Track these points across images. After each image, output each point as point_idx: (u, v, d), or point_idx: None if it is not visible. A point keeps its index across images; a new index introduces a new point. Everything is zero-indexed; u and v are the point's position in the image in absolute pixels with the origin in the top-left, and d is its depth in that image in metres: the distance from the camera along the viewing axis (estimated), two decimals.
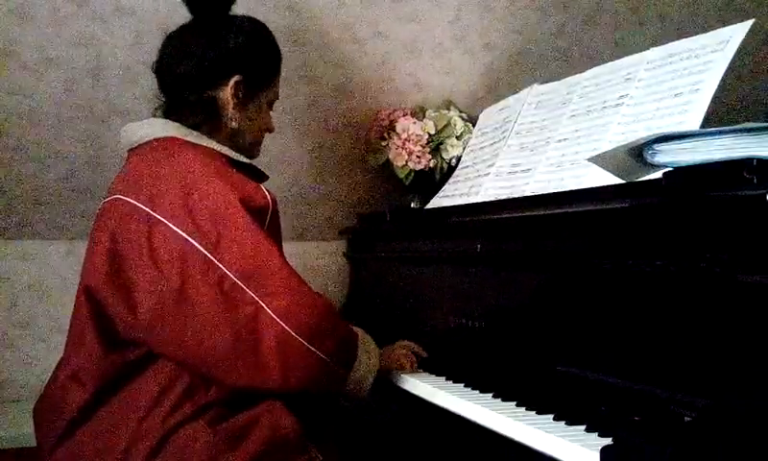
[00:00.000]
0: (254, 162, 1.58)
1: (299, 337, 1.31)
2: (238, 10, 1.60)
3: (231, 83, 1.51)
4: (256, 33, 1.58)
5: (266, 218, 1.40)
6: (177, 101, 1.52)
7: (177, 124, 1.49)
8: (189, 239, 1.31)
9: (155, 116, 1.54)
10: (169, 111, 1.53)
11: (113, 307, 1.36)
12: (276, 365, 1.31)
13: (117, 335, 1.36)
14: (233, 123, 1.53)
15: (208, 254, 1.31)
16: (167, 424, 1.30)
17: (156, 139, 1.47)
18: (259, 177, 1.56)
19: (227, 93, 1.52)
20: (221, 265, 1.30)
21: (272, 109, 1.65)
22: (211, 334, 1.30)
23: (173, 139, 1.46)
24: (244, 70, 1.53)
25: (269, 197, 1.42)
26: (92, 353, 1.35)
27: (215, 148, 1.48)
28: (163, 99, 1.55)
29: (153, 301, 1.32)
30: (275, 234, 1.42)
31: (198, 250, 1.31)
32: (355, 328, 1.52)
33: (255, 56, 1.56)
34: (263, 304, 1.30)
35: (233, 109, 1.53)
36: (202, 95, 1.51)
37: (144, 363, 1.35)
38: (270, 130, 1.65)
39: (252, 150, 1.62)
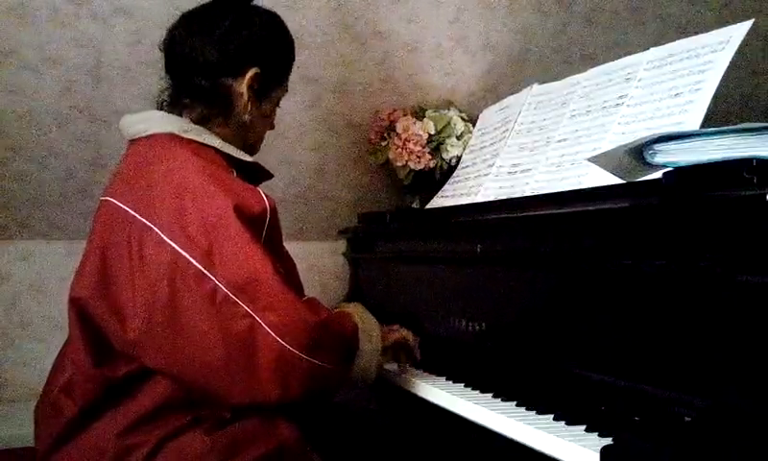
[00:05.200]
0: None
1: (296, 351, 1.25)
2: None
3: (249, 74, 1.45)
4: (278, 28, 1.54)
5: (263, 225, 1.34)
6: (186, 85, 1.45)
7: (177, 117, 1.43)
8: (179, 249, 1.26)
9: (159, 103, 1.48)
10: (175, 98, 1.46)
11: (104, 321, 1.32)
12: (275, 380, 1.26)
13: (110, 348, 1.32)
14: (246, 116, 1.47)
15: (199, 265, 1.25)
16: (163, 431, 1.27)
17: (154, 135, 1.41)
18: (263, 176, 1.52)
19: (242, 85, 1.46)
20: (213, 277, 1.25)
21: (278, 107, 1.60)
22: (204, 350, 1.25)
23: (171, 136, 1.39)
24: (263, 63, 1.47)
25: (267, 203, 1.35)
26: (82, 366, 1.32)
27: (216, 146, 1.42)
28: (169, 82, 1.48)
29: (143, 314, 1.27)
30: (273, 241, 1.37)
31: (188, 260, 1.25)
32: (352, 309, 1.49)
33: (276, 51, 1.52)
34: (258, 319, 1.24)
35: (247, 101, 1.47)
36: (216, 82, 1.45)
37: (138, 380, 1.30)
38: (272, 126, 1.60)
39: (256, 147, 1.57)
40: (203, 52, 1.44)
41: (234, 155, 1.45)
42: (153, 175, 1.34)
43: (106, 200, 1.39)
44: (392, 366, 1.63)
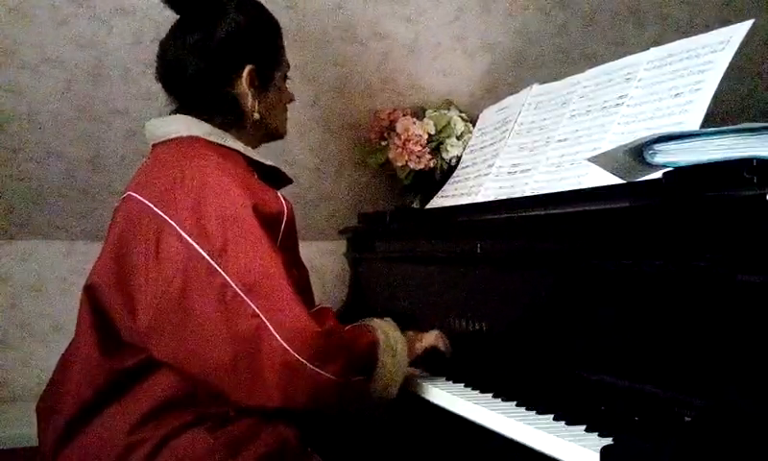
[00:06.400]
0: (278, 165, 1.54)
1: (301, 358, 1.24)
2: None
3: (245, 74, 1.48)
4: (250, 12, 1.52)
5: (280, 227, 1.35)
6: (193, 100, 1.48)
7: (202, 122, 1.45)
8: (194, 244, 1.27)
9: (175, 113, 1.50)
10: (192, 110, 1.47)
11: (114, 309, 1.33)
12: (279, 386, 1.25)
13: (118, 338, 1.33)
14: (256, 114, 1.50)
15: (212, 261, 1.26)
16: (165, 429, 1.28)
17: (179, 138, 1.43)
18: (283, 181, 1.54)
19: (243, 86, 1.48)
20: (224, 273, 1.25)
21: (288, 79, 1.61)
22: (210, 346, 1.26)
23: (195, 139, 1.42)
24: (252, 57, 1.49)
25: (284, 205, 1.37)
26: (89, 357, 1.33)
27: (239, 149, 1.45)
28: (175, 101, 1.51)
29: (153, 306, 1.29)
30: (289, 245, 1.38)
31: (201, 255, 1.26)
32: (376, 324, 1.47)
33: (258, 37, 1.51)
34: (265, 320, 1.23)
35: (253, 99, 1.49)
36: (220, 92, 1.48)
37: (144, 372, 1.31)
38: (291, 100, 1.62)
39: (281, 128, 1.60)
40: (192, 69, 1.46)
41: (256, 158, 1.48)
42: (175, 172, 1.36)
43: (127, 194, 1.41)
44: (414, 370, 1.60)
